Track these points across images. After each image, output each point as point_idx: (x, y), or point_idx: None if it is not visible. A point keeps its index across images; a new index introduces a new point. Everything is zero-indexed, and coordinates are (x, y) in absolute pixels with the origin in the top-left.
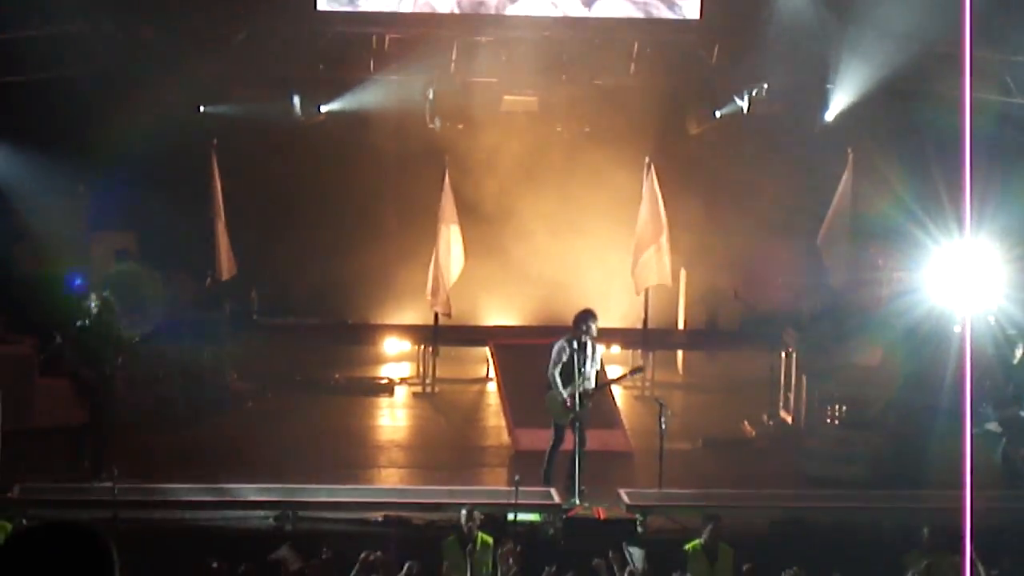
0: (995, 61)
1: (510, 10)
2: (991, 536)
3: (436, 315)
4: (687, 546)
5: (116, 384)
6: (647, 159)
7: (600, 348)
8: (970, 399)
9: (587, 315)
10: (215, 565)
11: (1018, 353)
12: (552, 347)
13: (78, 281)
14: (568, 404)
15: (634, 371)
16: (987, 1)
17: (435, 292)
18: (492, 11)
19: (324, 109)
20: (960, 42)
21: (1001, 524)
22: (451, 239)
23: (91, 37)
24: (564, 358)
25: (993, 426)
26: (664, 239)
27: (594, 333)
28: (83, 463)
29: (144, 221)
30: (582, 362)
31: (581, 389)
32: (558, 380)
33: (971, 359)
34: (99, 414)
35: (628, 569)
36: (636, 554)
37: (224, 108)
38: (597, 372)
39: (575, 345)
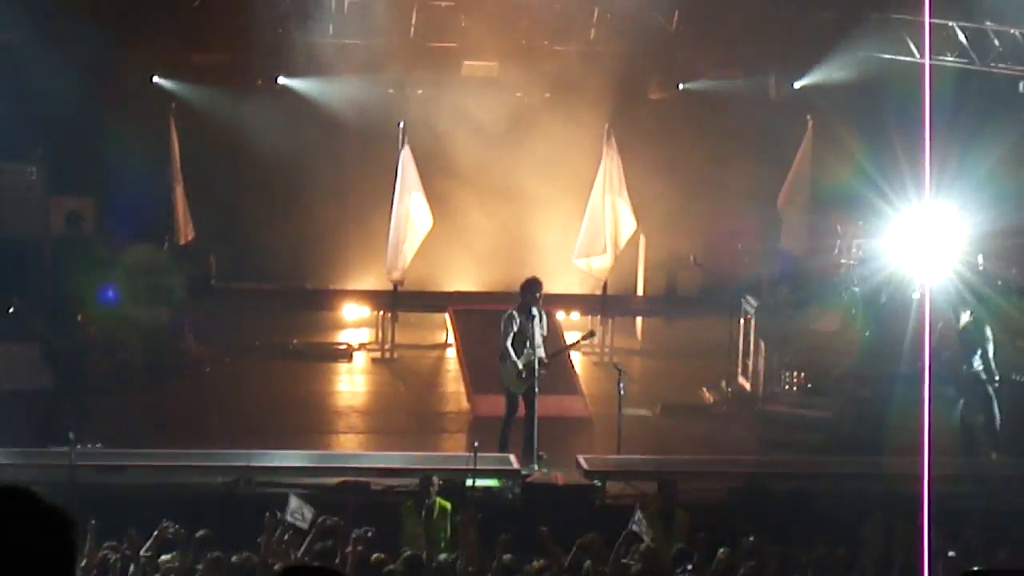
0: (954, 26)
1: None
2: (953, 507)
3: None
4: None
5: (85, 348)
6: (607, 125)
7: (545, 315)
8: (929, 369)
9: (533, 283)
10: (172, 530)
11: (964, 318)
12: (502, 318)
13: (110, 294)
14: (524, 375)
15: (586, 336)
16: None
17: (393, 261)
18: None
19: (281, 81)
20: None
21: (962, 493)
22: (412, 206)
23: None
24: (515, 328)
25: (951, 391)
26: (624, 199)
27: (540, 300)
28: (51, 427)
29: (103, 185)
30: (532, 331)
31: (534, 358)
32: (511, 350)
33: (930, 326)
34: (67, 379)
35: (580, 542)
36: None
37: (178, 79)
38: (544, 338)
39: (525, 314)
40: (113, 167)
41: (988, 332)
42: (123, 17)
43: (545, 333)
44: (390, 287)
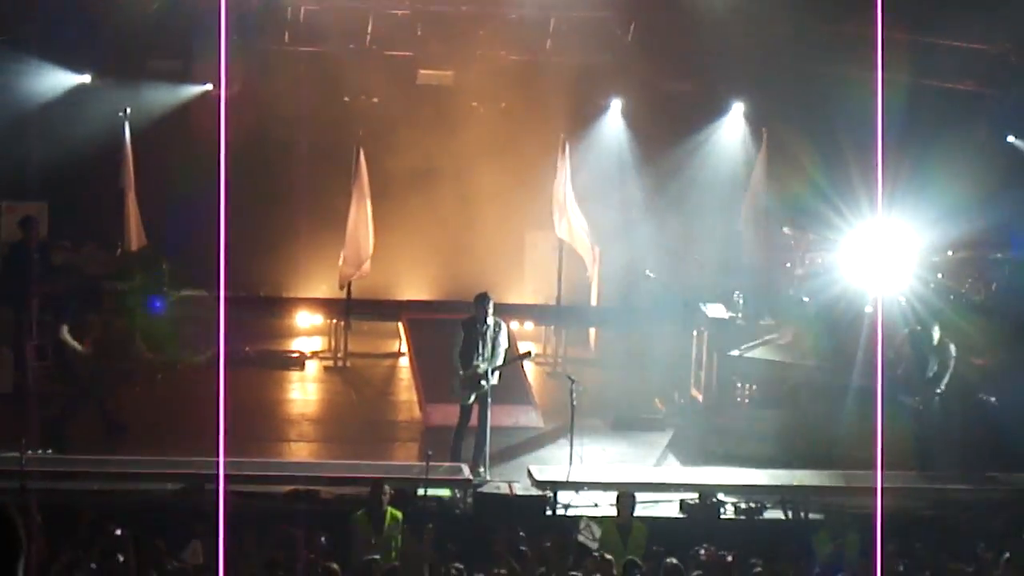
0: (905, 41)
1: None
2: (903, 521)
3: (348, 289)
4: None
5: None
6: (562, 136)
7: (503, 328)
8: (882, 382)
9: (480, 299)
10: (119, 533)
11: (935, 334)
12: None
13: (157, 304)
14: (466, 385)
15: (522, 356)
16: None
17: (354, 259)
18: None
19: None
20: (872, 23)
21: (913, 507)
22: (367, 214)
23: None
24: (460, 340)
25: (909, 400)
26: (577, 214)
27: (490, 314)
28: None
29: (56, 191)
30: (483, 343)
31: (483, 369)
32: (458, 362)
33: (883, 342)
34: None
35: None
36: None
37: (130, 85)
38: (506, 350)
39: (474, 326)
40: (66, 173)
41: (952, 349)
42: (82, 19)
43: (506, 345)
44: (343, 295)
